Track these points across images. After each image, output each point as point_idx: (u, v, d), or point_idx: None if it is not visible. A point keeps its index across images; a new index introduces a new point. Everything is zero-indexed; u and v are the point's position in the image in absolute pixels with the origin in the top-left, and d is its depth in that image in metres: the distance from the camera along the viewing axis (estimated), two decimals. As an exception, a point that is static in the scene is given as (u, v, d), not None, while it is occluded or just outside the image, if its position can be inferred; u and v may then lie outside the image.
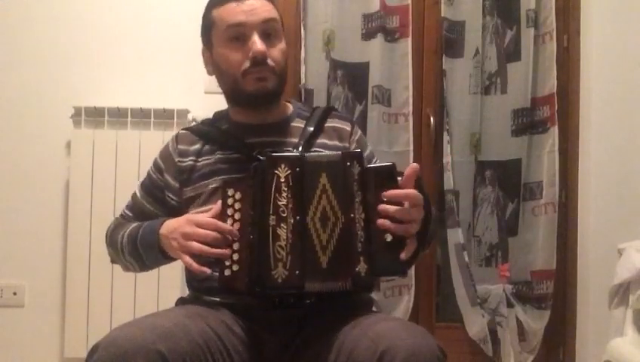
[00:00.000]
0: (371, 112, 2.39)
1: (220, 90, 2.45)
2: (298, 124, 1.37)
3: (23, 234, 2.36)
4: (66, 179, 2.36)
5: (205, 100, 2.40)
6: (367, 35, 2.42)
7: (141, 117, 2.35)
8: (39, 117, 2.39)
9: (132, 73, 2.42)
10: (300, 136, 1.33)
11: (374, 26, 2.41)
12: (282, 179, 1.12)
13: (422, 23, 2.52)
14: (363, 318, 1.11)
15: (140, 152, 2.30)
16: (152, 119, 2.34)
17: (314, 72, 2.42)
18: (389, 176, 1.11)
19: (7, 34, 2.41)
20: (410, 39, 2.42)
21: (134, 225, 1.33)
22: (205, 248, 1.14)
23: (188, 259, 1.15)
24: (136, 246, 1.28)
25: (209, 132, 1.36)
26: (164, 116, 2.34)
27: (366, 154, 1.39)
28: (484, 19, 2.45)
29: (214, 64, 1.35)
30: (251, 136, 1.32)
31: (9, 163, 2.38)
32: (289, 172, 1.13)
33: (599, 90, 2.43)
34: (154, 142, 2.28)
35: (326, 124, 1.37)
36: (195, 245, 1.15)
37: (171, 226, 1.22)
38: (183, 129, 1.41)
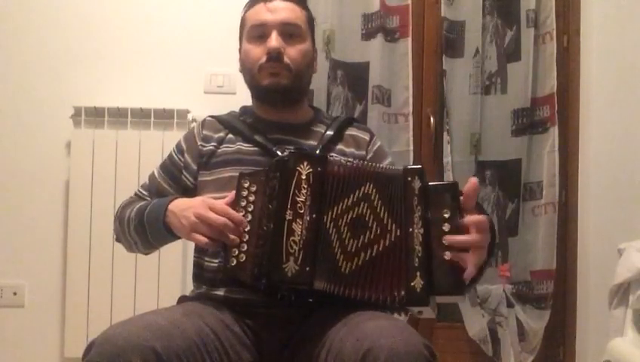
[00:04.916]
0: (371, 112, 2.39)
1: (219, 90, 2.49)
2: (318, 128, 1.41)
3: (23, 234, 2.36)
4: (66, 179, 2.36)
5: (205, 100, 2.40)
6: (367, 35, 2.42)
7: (141, 117, 2.35)
8: (39, 117, 2.39)
9: (132, 73, 2.42)
10: (319, 140, 1.37)
11: (374, 26, 2.41)
12: (303, 177, 1.13)
13: (422, 23, 2.52)
14: (353, 316, 1.11)
15: (139, 152, 2.30)
16: (152, 119, 2.34)
17: (314, 73, 2.42)
18: (451, 195, 1.10)
19: (8, 34, 2.41)
20: (410, 39, 2.42)
21: (146, 201, 1.36)
22: (216, 232, 1.15)
23: (199, 236, 1.16)
24: (143, 220, 1.29)
25: (234, 123, 1.40)
26: (164, 116, 2.34)
27: (385, 163, 1.41)
28: (484, 19, 2.45)
29: (241, 60, 1.42)
30: (272, 133, 1.37)
31: (9, 163, 2.38)
32: (310, 170, 1.14)
33: (599, 90, 2.43)
34: (154, 142, 2.29)
35: (345, 132, 1.41)
36: (206, 227, 1.16)
37: (183, 205, 1.23)
38: (209, 116, 1.45)
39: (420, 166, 1.17)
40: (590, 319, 2.37)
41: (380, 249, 1.11)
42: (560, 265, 2.44)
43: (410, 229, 1.09)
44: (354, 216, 1.13)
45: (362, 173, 1.16)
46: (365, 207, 1.13)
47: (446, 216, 1.08)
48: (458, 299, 1.11)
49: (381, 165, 1.25)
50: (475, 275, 1.08)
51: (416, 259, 1.07)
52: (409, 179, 1.12)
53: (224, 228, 1.15)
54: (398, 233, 1.11)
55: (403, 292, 1.07)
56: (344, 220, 1.13)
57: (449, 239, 1.07)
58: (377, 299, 1.09)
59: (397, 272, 1.09)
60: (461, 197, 1.11)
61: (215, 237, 1.16)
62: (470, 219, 1.09)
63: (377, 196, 1.13)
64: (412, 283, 1.06)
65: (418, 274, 1.06)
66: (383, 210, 1.12)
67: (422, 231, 1.08)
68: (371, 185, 1.14)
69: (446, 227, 1.08)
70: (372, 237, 1.11)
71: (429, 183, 1.13)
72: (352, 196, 1.14)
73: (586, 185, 2.44)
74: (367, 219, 1.12)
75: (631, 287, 1.92)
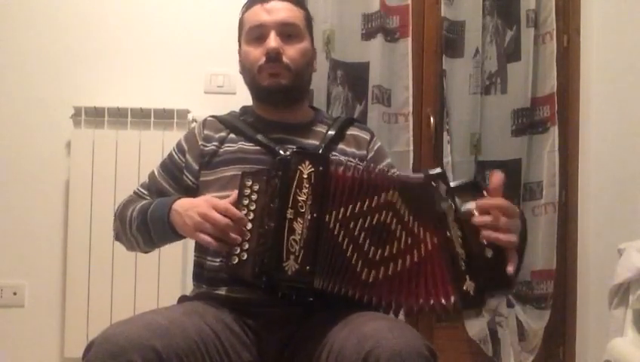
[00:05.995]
0: (371, 112, 2.39)
1: (219, 90, 2.49)
2: (320, 128, 1.42)
3: (23, 234, 2.36)
4: (66, 179, 2.36)
5: (205, 100, 2.40)
6: (367, 35, 2.41)
7: (141, 117, 2.35)
8: (39, 117, 2.38)
9: (132, 73, 2.42)
10: (320, 139, 1.37)
11: (374, 26, 2.41)
12: (305, 176, 1.13)
13: (422, 23, 2.52)
14: (354, 316, 1.11)
15: (139, 152, 2.30)
16: (152, 119, 2.34)
17: (314, 72, 2.42)
18: (476, 192, 1.11)
19: (8, 34, 2.41)
20: (410, 39, 2.42)
21: (147, 200, 1.36)
22: (219, 232, 1.15)
23: (204, 236, 1.16)
24: (146, 219, 1.29)
25: (235, 122, 1.40)
26: (164, 116, 2.34)
27: (384, 163, 1.43)
28: (484, 19, 2.45)
29: (241, 62, 1.43)
30: (273, 133, 1.37)
31: (9, 163, 2.38)
32: (312, 170, 1.13)
33: (599, 90, 2.43)
34: (154, 142, 2.29)
35: (346, 132, 1.42)
36: (210, 228, 1.16)
37: (187, 204, 1.23)
38: (210, 116, 1.45)
39: (441, 169, 1.16)
40: (590, 319, 2.37)
41: (416, 259, 1.10)
42: (560, 265, 2.44)
43: (448, 234, 1.09)
44: (374, 222, 1.12)
45: (382, 179, 1.16)
46: (390, 216, 1.12)
47: (475, 214, 1.09)
48: (508, 292, 1.11)
49: (404, 173, 1.25)
50: (518, 264, 1.08)
51: (462, 263, 1.07)
52: (434, 184, 1.12)
53: (226, 228, 1.16)
54: (435, 240, 1.10)
55: (456, 298, 1.07)
56: (359, 225, 1.12)
57: (478, 219, 1.07)
58: (421, 307, 1.08)
59: (442, 279, 1.08)
60: (485, 193, 1.11)
61: (218, 236, 1.16)
62: (494, 200, 1.08)
63: (404, 205, 1.12)
64: (464, 288, 1.06)
65: (467, 277, 1.06)
66: (411, 219, 1.12)
67: (460, 233, 1.08)
68: (396, 194, 1.13)
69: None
70: (402, 247, 1.11)
71: (455, 184, 1.13)
72: (368, 201, 1.13)
73: (586, 185, 2.44)
74: (392, 228, 1.12)
75: (631, 287, 1.92)
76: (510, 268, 1.06)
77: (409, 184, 1.15)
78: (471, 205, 1.08)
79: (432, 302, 1.08)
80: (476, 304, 1.07)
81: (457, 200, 1.10)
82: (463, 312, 1.08)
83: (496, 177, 1.10)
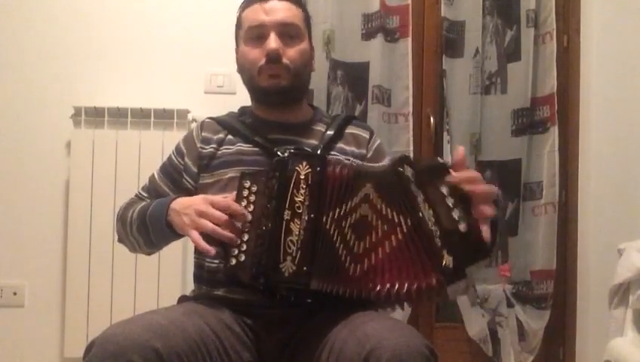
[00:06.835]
0: (371, 112, 2.39)
1: (219, 90, 2.49)
2: (319, 127, 1.41)
3: (23, 234, 2.36)
4: (66, 179, 2.36)
5: (205, 100, 2.40)
6: (367, 35, 2.42)
7: (141, 117, 2.35)
8: (39, 117, 2.39)
9: (132, 73, 2.42)
10: (319, 139, 1.37)
11: (374, 26, 2.41)
12: (302, 176, 1.13)
13: (422, 23, 2.52)
14: (355, 317, 1.11)
15: (140, 152, 2.30)
16: (152, 119, 2.34)
17: (314, 72, 2.42)
18: (443, 171, 1.11)
19: (8, 33, 2.41)
20: (410, 39, 2.42)
21: (147, 202, 1.36)
22: (217, 228, 1.15)
23: (196, 234, 1.16)
24: (145, 219, 1.29)
25: (233, 123, 1.39)
26: (164, 116, 2.34)
27: (384, 161, 1.42)
28: (484, 19, 2.45)
29: (239, 62, 1.41)
30: (272, 133, 1.36)
31: (9, 163, 2.38)
32: (309, 170, 1.13)
33: (599, 90, 2.43)
34: (154, 142, 2.29)
35: (346, 131, 1.41)
36: (208, 223, 1.16)
37: (185, 203, 1.23)
38: (208, 118, 1.45)
39: (404, 154, 1.17)
40: (590, 319, 2.37)
41: (395, 244, 1.10)
42: (560, 265, 2.44)
43: (420, 214, 1.08)
44: (357, 217, 1.12)
45: (360, 174, 1.16)
46: (366, 208, 1.12)
47: (444, 191, 1.08)
48: (486, 260, 1.11)
49: (371, 164, 1.25)
50: (493, 232, 1.08)
51: (437, 240, 1.07)
52: (400, 169, 1.12)
53: (224, 225, 1.15)
54: (409, 222, 1.09)
55: (437, 275, 1.06)
56: (347, 222, 1.12)
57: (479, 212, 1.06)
58: (409, 290, 1.07)
59: (421, 259, 1.07)
60: (452, 170, 1.10)
61: (215, 234, 1.15)
62: (461, 175, 1.08)
63: (376, 195, 1.13)
64: (444, 263, 1.05)
65: (445, 252, 1.06)
66: (384, 207, 1.11)
67: (431, 212, 1.08)
68: (370, 186, 1.13)
69: (449, 201, 1.08)
70: (380, 235, 1.11)
71: (420, 166, 1.14)
72: (354, 198, 1.13)
73: (586, 185, 2.44)
74: (369, 219, 1.12)
75: (631, 287, 1.92)
76: (486, 235, 1.06)
77: (379, 173, 1.16)
78: (442, 187, 1.08)
79: (416, 285, 1.06)
80: (458, 277, 1.06)
81: (425, 181, 1.10)
82: (448, 289, 1.07)
83: (459, 152, 1.11)
